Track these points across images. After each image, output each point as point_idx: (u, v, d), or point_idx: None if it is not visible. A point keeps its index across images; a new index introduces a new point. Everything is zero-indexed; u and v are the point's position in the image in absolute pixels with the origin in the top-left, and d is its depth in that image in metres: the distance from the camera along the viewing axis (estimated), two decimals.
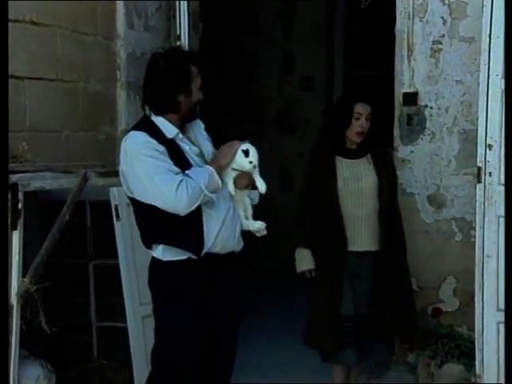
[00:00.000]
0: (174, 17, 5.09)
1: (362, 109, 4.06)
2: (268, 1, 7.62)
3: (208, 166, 3.19)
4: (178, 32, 5.07)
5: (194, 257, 3.19)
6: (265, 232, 3.37)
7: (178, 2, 5.08)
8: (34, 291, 3.53)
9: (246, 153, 3.21)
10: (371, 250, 4.07)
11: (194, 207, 3.11)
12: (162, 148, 3.13)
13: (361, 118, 4.05)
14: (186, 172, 3.13)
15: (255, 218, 3.41)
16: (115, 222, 3.95)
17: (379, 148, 4.23)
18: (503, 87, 3.93)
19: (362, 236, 4.05)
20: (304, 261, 4.14)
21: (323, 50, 7.62)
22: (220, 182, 3.19)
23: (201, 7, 5.40)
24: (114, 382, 4.20)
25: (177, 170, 3.13)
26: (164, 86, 3.22)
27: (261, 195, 3.44)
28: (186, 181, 3.08)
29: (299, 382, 4.79)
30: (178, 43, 5.06)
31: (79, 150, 4.52)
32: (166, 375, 3.25)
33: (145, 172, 3.11)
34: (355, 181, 4.05)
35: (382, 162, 4.16)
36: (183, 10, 5.07)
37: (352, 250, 4.04)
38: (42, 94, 4.26)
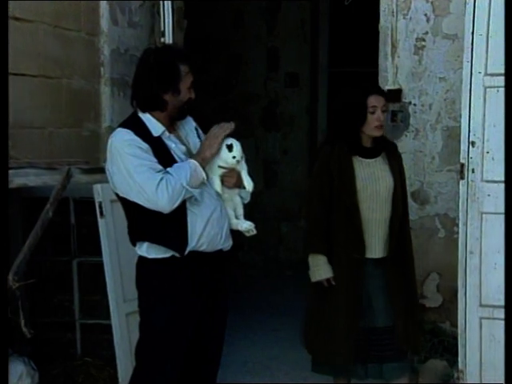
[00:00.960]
0: (159, 13, 5.07)
1: (376, 101, 3.76)
2: None
3: (191, 160, 3.17)
4: (162, 28, 5.05)
5: (177, 255, 3.19)
6: (254, 232, 3.36)
7: None
8: (17, 288, 3.51)
9: (230, 147, 3.20)
10: (387, 257, 3.80)
11: (176, 204, 3.10)
12: (145, 146, 3.13)
13: (376, 111, 3.74)
14: (168, 169, 3.12)
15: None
16: (99, 219, 3.94)
17: (390, 143, 3.97)
18: (486, 84, 3.96)
19: (377, 242, 3.77)
20: (321, 269, 3.77)
21: (308, 47, 7.63)
22: (204, 175, 3.16)
23: (185, 4, 5.38)
24: (98, 379, 4.19)
25: (159, 167, 3.12)
26: (151, 84, 3.20)
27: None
28: (166, 179, 3.07)
29: (284, 378, 4.80)
30: (163, 40, 5.05)
31: (63, 146, 4.50)
32: (150, 370, 3.25)
33: (127, 170, 3.11)
34: (373, 183, 3.76)
35: (395, 160, 3.89)
36: (167, 6, 5.05)
37: (368, 256, 3.75)
38: (25, 91, 4.23)
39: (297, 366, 4.97)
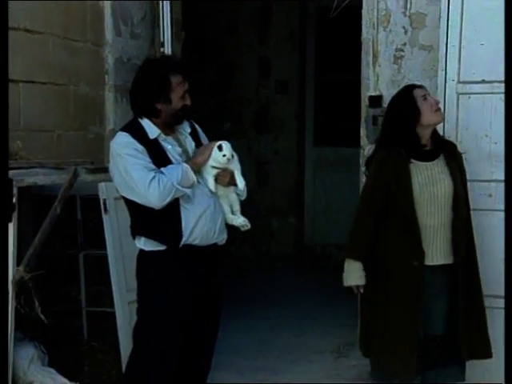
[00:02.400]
0: (158, 25, 5.08)
1: (421, 91, 3.48)
2: (246, 11, 7.63)
3: (184, 164, 3.22)
4: (161, 39, 5.06)
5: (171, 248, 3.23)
6: (248, 227, 3.38)
7: (161, 12, 5.07)
8: (28, 279, 3.54)
9: (220, 148, 3.24)
10: (445, 264, 3.45)
11: (166, 201, 3.15)
12: (141, 148, 3.19)
13: (427, 97, 3.44)
14: (161, 169, 3.17)
15: None
16: (103, 214, 3.95)
17: (448, 143, 3.62)
18: (459, 91, 3.98)
19: (435, 248, 3.43)
20: (354, 275, 3.49)
21: (296, 57, 7.62)
22: (195, 178, 3.21)
23: (183, 16, 5.40)
24: (103, 362, 4.21)
25: (152, 167, 3.17)
26: (144, 94, 3.26)
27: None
28: (158, 177, 3.13)
29: (274, 361, 4.79)
30: (162, 50, 5.06)
31: (70, 148, 4.51)
32: (146, 352, 3.30)
33: (124, 169, 3.18)
34: (430, 187, 3.41)
35: (455, 161, 3.54)
36: (166, 18, 5.06)
37: (425, 263, 3.41)
38: (36, 97, 4.25)
39: (286, 349, 5.02)
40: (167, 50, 5.04)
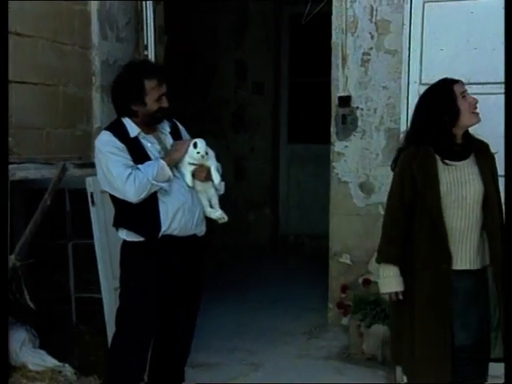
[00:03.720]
0: (142, 29, 5.06)
1: (461, 87, 3.09)
2: (224, 17, 7.62)
3: (161, 160, 3.23)
4: (145, 43, 5.04)
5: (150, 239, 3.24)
6: (225, 219, 3.40)
7: (145, 17, 5.05)
8: (19, 267, 3.52)
9: (195, 145, 3.26)
10: (472, 269, 3.06)
11: (142, 196, 3.17)
12: (121, 145, 3.21)
13: (467, 96, 3.07)
14: (138, 166, 3.18)
15: None
16: (91, 207, 3.93)
17: (480, 142, 3.18)
18: (420, 92, 3.98)
19: (463, 252, 3.04)
20: (392, 281, 3.08)
21: (271, 60, 7.63)
22: (170, 173, 3.22)
23: (166, 21, 5.38)
24: (91, 344, 4.18)
25: (131, 164, 3.20)
26: (120, 96, 3.29)
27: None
28: (134, 174, 3.15)
29: (251, 342, 4.81)
30: (146, 53, 5.04)
31: (59, 144, 4.48)
32: (125, 334, 3.35)
33: (105, 166, 3.21)
34: (459, 188, 3.03)
35: (487, 162, 3.13)
36: (150, 23, 5.05)
37: (453, 268, 3.04)
38: (27, 96, 4.21)
39: (261, 331, 5.04)
40: (150, 52, 5.02)
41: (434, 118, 3.06)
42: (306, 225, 7.43)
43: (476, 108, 3.09)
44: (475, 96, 3.13)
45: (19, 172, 3.63)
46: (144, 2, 5.02)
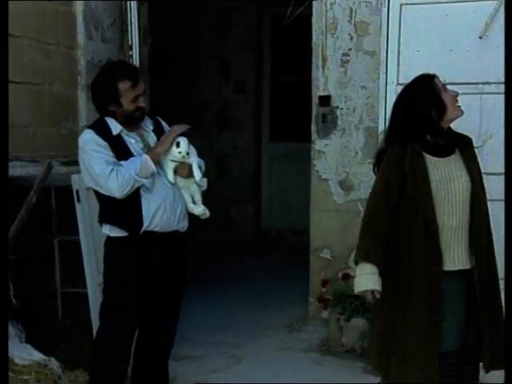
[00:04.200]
0: (127, 30, 5.03)
1: (439, 82, 2.96)
2: (208, 18, 7.60)
3: (144, 155, 3.21)
4: (130, 43, 5.01)
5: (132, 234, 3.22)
6: (207, 215, 3.38)
7: (129, 18, 5.02)
8: None
9: (178, 144, 3.24)
10: (462, 269, 2.89)
11: (126, 191, 3.15)
12: (103, 143, 3.19)
13: (447, 89, 2.94)
14: (121, 162, 3.16)
15: None
16: (76, 204, 3.91)
17: (463, 137, 3.02)
18: (398, 92, 4.01)
19: (452, 251, 2.87)
20: (369, 279, 2.84)
21: (254, 60, 7.63)
22: (154, 168, 3.19)
23: (150, 22, 5.35)
24: (77, 337, 4.17)
25: (113, 160, 3.18)
26: (97, 98, 3.29)
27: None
28: (117, 169, 3.13)
29: (233, 335, 4.81)
30: (130, 53, 5.01)
31: (45, 142, 4.45)
32: (108, 328, 3.34)
33: (88, 163, 3.19)
34: (448, 184, 2.86)
35: (470, 156, 2.98)
36: (134, 24, 5.02)
37: (445, 269, 2.86)
38: (13, 95, 4.13)
39: (244, 325, 5.04)
40: (135, 53, 5.00)
41: (416, 113, 2.89)
42: (287, 221, 7.44)
43: (457, 101, 2.95)
44: None
45: None
46: (128, 3, 4.99)
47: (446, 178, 2.88)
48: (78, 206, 3.92)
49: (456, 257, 2.88)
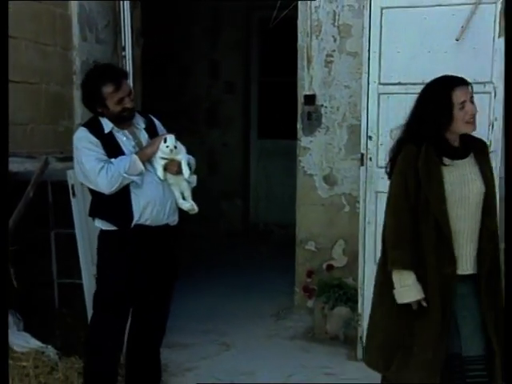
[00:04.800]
0: (120, 32, 5.03)
1: (462, 94, 2.78)
2: (199, 21, 7.59)
3: (133, 155, 3.24)
4: (123, 44, 5.00)
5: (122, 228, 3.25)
6: (195, 210, 3.39)
7: (123, 20, 5.01)
8: None
9: (165, 140, 3.25)
10: (474, 273, 2.78)
11: (114, 187, 3.17)
12: (95, 141, 3.22)
13: (466, 105, 2.77)
14: (112, 160, 3.18)
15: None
16: (72, 198, 3.90)
17: (478, 140, 2.91)
18: (379, 91, 4.03)
19: (465, 255, 2.76)
20: (412, 289, 2.70)
21: (242, 61, 7.62)
22: (142, 167, 3.21)
23: (142, 24, 5.35)
24: (72, 326, 4.16)
25: (104, 158, 3.20)
26: (85, 101, 3.34)
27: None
28: (106, 167, 3.15)
29: (222, 324, 4.83)
30: (123, 53, 5.00)
31: (42, 139, 4.44)
32: (102, 315, 3.36)
33: (80, 160, 3.22)
34: (461, 187, 2.74)
35: (484, 160, 2.86)
36: (127, 26, 5.00)
37: (458, 273, 2.76)
38: (11, 94, 4.10)
39: (233, 314, 5.06)
40: (128, 53, 4.99)
41: (427, 119, 2.79)
42: (274, 214, 7.46)
43: (472, 117, 2.79)
44: None
45: None
46: (122, 6, 4.97)
47: (460, 180, 2.76)
48: (73, 201, 3.92)
49: (468, 261, 2.77)
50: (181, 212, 3.45)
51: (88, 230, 3.94)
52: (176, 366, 4.02)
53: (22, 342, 3.80)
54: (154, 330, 3.51)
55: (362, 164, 4.11)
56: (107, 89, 3.24)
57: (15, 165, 3.69)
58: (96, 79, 3.29)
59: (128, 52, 4.99)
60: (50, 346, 3.82)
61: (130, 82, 4.89)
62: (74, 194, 3.90)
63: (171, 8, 7.31)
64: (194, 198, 3.41)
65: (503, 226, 2.79)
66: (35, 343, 3.81)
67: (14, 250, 3.69)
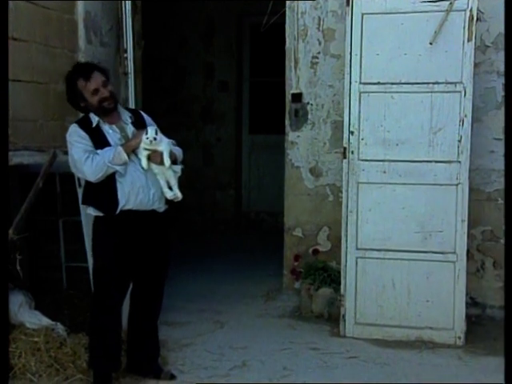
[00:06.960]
0: (122, 35, 5.03)
1: None
2: (195, 26, 7.58)
3: (119, 146, 3.28)
4: (125, 47, 5.00)
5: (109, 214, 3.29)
6: (179, 198, 3.36)
7: (125, 24, 5.01)
8: (16, 240, 3.52)
9: (146, 132, 3.26)
10: None
11: (99, 176, 3.23)
12: (83, 134, 3.27)
13: None
14: (98, 151, 3.23)
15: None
16: (77, 188, 3.90)
17: None
18: (360, 90, 4.05)
19: None
20: None
21: (234, 62, 7.61)
22: (126, 157, 3.25)
23: (143, 28, 5.35)
24: (79, 306, 4.19)
25: (90, 149, 3.25)
26: (68, 99, 3.40)
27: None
28: (92, 157, 3.21)
29: (216, 304, 4.84)
30: (126, 55, 5.00)
31: (50, 134, 4.44)
32: (98, 291, 3.40)
33: (70, 151, 3.28)
34: None
35: None
36: (129, 30, 5.00)
37: None
38: (22, 93, 4.17)
39: (226, 295, 5.07)
40: (129, 55, 4.98)
41: None
42: (264, 203, 7.48)
43: None
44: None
45: (15, 158, 3.60)
46: (124, 12, 4.97)
47: None
48: (79, 191, 3.90)
49: None
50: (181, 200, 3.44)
51: (92, 218, 3.95)
52: (174, 342, 4.04)
53: (33, 319, 3.82)
54: (150, 307, 3.54)
55: (344, 157, 4.12)
56: (80, 82, 3.31)
57: (26, 158, 3.71)
58: (71, 77, 3.36)
59: (130, 54, 4.98)
60: (59, 324, 3.83)
61: (132, 81, 4.95)
62: (79, 185, 3.89)
63: (170, 13, 7.32)
64: (191, 188, 3.43)
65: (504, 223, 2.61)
66: (46, 321, 3.83)
67: (26, 237, 3.72)
